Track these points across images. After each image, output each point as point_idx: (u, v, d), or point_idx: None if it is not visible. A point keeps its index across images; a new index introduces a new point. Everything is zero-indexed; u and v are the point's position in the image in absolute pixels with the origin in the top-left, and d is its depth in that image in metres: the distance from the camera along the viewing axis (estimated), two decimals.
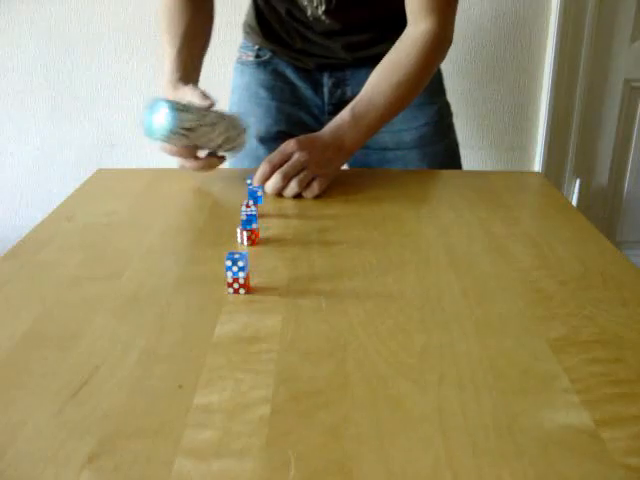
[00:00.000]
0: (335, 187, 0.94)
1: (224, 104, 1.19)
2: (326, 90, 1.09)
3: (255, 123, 1.11)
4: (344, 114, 0.92)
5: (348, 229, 0.79)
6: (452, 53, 0.98)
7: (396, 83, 0.91)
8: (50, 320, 0.59)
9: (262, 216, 0.83)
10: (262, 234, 0.77)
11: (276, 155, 0.88)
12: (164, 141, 0.85)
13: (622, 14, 1.83)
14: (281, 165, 0.87)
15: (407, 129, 1.08)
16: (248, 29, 1.15)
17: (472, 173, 1.05)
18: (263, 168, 0.87)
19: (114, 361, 0.52)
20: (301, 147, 0.88)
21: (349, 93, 1.08)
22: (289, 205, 0.88)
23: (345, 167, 1.04)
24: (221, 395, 0.48)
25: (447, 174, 1.04)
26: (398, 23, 0.97)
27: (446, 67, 1.17)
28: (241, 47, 1.17)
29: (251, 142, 1.10)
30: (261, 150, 1.10)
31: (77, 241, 0.77)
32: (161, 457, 0.42)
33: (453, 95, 1.21)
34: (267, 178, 0.88)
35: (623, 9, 1.82)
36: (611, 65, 1.88)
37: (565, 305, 0.61)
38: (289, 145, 0.88)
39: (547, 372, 0.51)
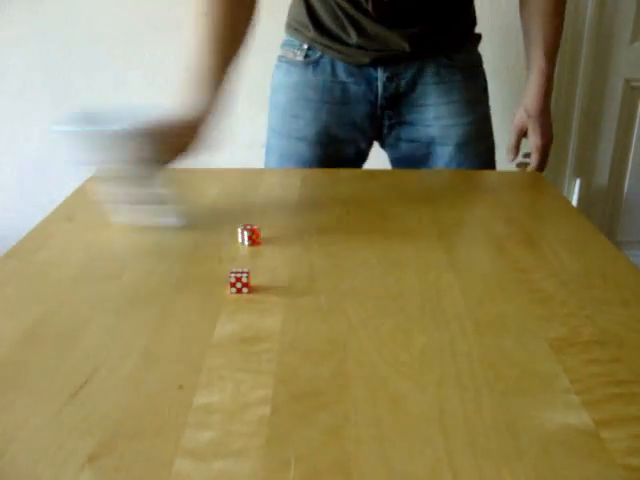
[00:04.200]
0: (335, 187, 0.94)
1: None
2: (380, 84, 1.07)
3: (303, 126, 1.10)
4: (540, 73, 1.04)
5: (348, 229, 0.79)
6: None
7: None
8: (50, 320, 0.59)
9: (262, 216, 0.83)
10: (262, 234, 0.77)
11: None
12: None
13: (622, 14, 1.82)
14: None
15: (455, 125, 1.08)
16: (296, 25, 1.11)
17: (472, 173, 1.05)
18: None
19: (114, 361, 0.52)
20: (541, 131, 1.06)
21: (403, 86, 1.07)
22: (289, 205, 0.88)
23: (367, 166, 1.04)
24: (221, 395, 0.48)
25: (447, 174, 1.04)
26: (456, 9, 1.05)
27: None
28: (285, 44, 1.13)
29: (298, 145, 1.10)
30: (308, 153, 1.10)
31: (77, 241, 0.76)
32: (161, 457, 0.42)
33: None
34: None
35: (623, 9, 1.82)
36: (611, 65, 1.88)
37: (565, 305, 0.61)
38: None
39: (547, 372, 0.51)
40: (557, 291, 0.64)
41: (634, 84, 1.91)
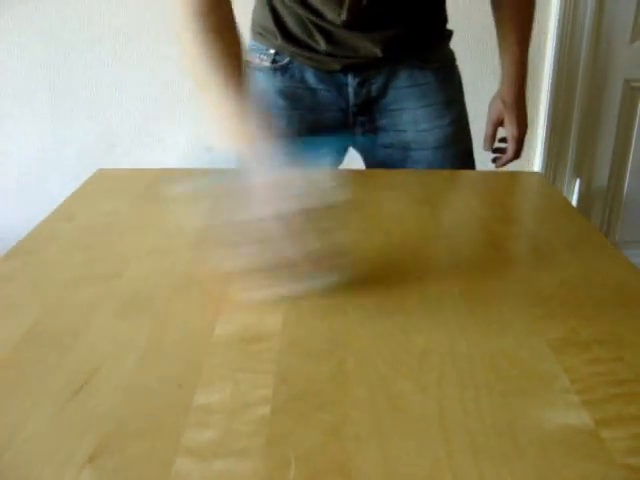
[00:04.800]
0: (335, 188, 0.94)
1: None
2: (351, 90, 1.06)
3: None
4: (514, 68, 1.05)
5: (348, 229, 0.79)
6: None
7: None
8: (50, 320, 0.59)
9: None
10: None
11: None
12: None
13: (622, 14, 1.83)
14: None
15: (432, 128, 1.07)
16: (261, 30, 1.08)
17: (472, 173, 1.05)
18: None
19: (114, 361, 0.52)
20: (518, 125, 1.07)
21: (374, 91, 1.06)
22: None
23: (355, 167, 1.04)
24: (221, 395, 0.48)
25: (447, 174, 1.04)
26: (429, 11, 1.04)
27: None
28: (251, 49, 1.10)
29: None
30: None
31: (77, 241, 0.76)
32: (161, 457, 0.42)
33: None
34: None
35: (623, 9, 1.82)
36: (611, 65, 1.88)
37: (565, 305, 0.61)
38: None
39: (547, 372, 0.51)
40: (557, 291, 0.64)
41: (634, 84, 1.92)
